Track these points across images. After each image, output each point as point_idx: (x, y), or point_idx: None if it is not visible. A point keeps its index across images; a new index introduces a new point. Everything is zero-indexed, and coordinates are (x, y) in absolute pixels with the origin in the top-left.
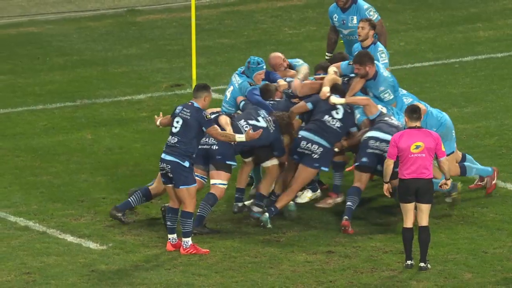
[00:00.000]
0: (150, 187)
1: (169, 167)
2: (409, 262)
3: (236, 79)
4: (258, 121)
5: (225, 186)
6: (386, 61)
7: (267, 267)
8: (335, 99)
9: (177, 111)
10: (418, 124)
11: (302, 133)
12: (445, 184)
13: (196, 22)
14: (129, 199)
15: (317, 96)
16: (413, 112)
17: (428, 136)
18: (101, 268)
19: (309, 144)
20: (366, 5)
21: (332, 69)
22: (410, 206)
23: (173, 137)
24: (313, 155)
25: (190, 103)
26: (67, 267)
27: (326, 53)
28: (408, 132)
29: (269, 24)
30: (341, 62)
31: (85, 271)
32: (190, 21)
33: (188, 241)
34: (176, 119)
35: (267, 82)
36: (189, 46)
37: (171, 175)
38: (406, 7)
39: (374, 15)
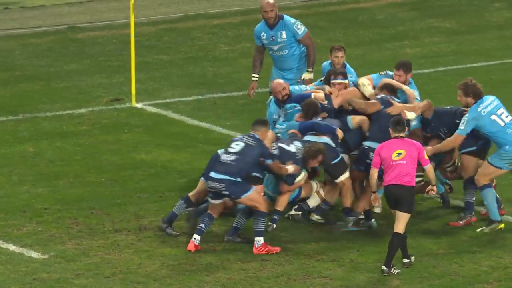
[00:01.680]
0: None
1: (223, 185)
2: (385, 268)
3: (280, 127)
4: (288, 146)
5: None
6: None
7: (203, 275)
8: (409, 114)
9: (238, 137)
10: (401, 134)
11: (369, 143)
12: (432, 190)
13: (135, 38)
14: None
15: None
16: (397, 124)
17: (410, 145)
18: (42, 277)
19: None
20: (292, 20)
21: (362, 81)
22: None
23: (228, 156)
24: None
25: (251, 134)
26: (9, 275)
27: (253, 75)
28: (390, 141)
29: (206, 40)
30: (371, 74)
31: (27, 279)
32: (130, 37)
33: (260, 240)
34: (236, 142)
35: (307, 100)
36: (128, 62)
37: (226, 193)
38: (336, 25)
39: (301, 28)
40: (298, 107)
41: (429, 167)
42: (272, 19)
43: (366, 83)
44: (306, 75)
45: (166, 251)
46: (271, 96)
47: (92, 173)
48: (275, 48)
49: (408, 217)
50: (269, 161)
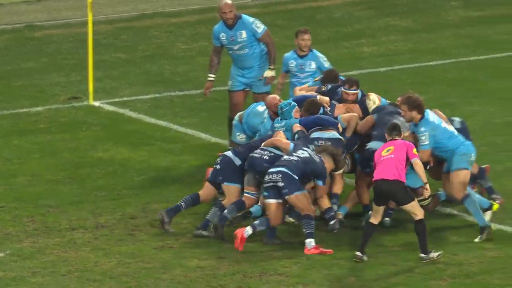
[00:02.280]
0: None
1: (280, 176)
2: (358, 253)
3: (278, 125)
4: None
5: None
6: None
7: (160, 272)
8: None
9: (305, 148)
10: (396, 138)
11: (373, 144)
12: (425, 189)
13: (93, 37)
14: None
15: (379, 106)
16: (393, 129)
17: (400, 142)
18: None
19: None
20: (251, 19)
21: (374, 98)
22: (380, 208)
23: (292, 157)
24: None
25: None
26: None
27: (209, 75)
28: (385, 144)
29: (163, 39)
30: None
31: None
32: (87, 36)
33: (312, 241)
34: (302, 151)
35: (311, 98)
36: (86, 60)
37: (281, 184)
38: (294, 23)
39: (260, 26)
40: (293, 103)
41: (416, 161)
42: (231, 19)
43: (377, 102)
44: (268, 73)
45: (123, 249)
46: (265, 109)
47: (49, 171)
48: (236, 47)
49: (415, 203)
50: (320, 183)
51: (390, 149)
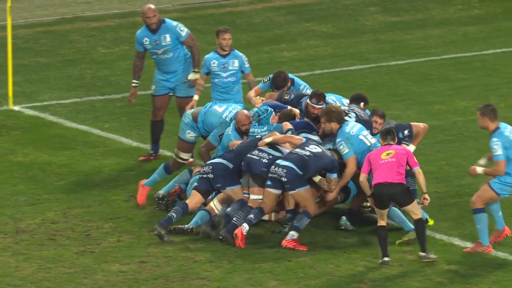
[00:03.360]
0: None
1: (284, 171)
2: (386, 258)
3: (259, 130)
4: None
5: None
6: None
7: (81, 277)
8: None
9: (316, 142)
10: (391, 142)
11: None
12: (424, 198)
13: (12, 41)
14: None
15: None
16: (387, 134)
17: (399, 148)
18: None
19: None
20: (174, 22)
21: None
22: (384, 211)
23: (304, 151)
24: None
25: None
26: None
27: (133, 81)
28: (380, 148)
29: (84, 43)
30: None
31: None
32: (7, 40)
33: (294, 235)
34: (314, 145)
35: (287, 109)
36: (5, 65)
37: (285, 179)
38: (214, 28)
39: (184, 30)
40: (270, 109)
41: (419, 170)
42: (154, 24)
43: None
44: (192, 76)
45: (44, 253)
46: (232, 123)
47: None
48: (160, 52)
49: (415, 203)
50: (334, 175)
51: (390, 153)
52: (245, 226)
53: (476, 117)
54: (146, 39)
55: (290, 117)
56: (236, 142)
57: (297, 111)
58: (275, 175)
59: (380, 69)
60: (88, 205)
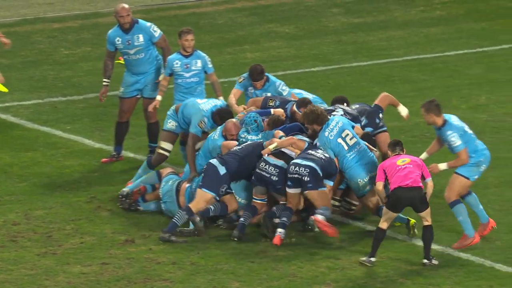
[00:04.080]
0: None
1: (307, 170)
2: (372, 259)
3: (253, 137)
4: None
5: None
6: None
7: (43, 279)
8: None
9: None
10: (401, 152)
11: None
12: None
13: None
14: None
15: None
16: (396, 145)
17: (415, 158)
18: None
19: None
20: (148, 23)
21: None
22: (394, 215)
23: (317, 153)
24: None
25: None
26: None
27: (104, 79)
28: (392, 157)
29: (46, 44)
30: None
31: None
32: None
33: (323, 216)
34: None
35: (273, 115)
36: None
37: (307, 179)
38: (177, 29)
39: (157, 31)
40: (259, 119)
41: (430, 182)
42: (128, 23)
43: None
44: (163, 77)
45: (5, 255)
46: (218, 129)
47: None
48: (132, 52)
49: (429, 211)
50: (331, 183)
51: (405, 160)
52: (281, 232)
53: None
54: (118, 38)
55: (279, 123)
56: (231, 143)
57: (281, 110)
58: (296, 175)
59: (343, 70)
60: (50, 206)
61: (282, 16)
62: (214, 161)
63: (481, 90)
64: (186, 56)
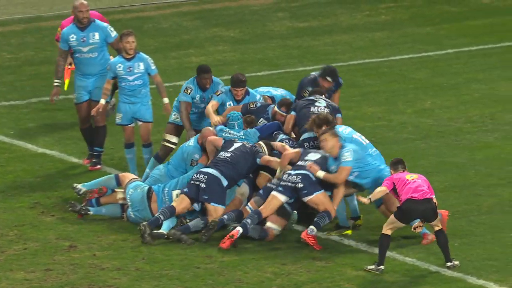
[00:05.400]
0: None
1: (300, 177)
2: (381, 267)
3: (236, 133)
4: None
5: None
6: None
7: None
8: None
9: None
10: (403, 170)
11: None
12: (420, 226)
13: None
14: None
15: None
16: (398, 163)
17: (421, 176)
18: None
19: None
20: (105, 23)
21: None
22: (402, 225)
23: (312, 156)
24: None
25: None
26: None
27: (56, 80)
28: (400, 173)
29: None
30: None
31: None
32: None
33: (314, 230)
34: (314, 153)
35: (249, 116)
36: None
37: (301, 185)
38: (119, 33)
39: (113, 32)
40: (241, 119)
41: (434, 198)
42: (86, 19)
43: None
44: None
45: None
46: (194, 137)
47: None
48: (85, 50)
49: (439, 218)
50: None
51: (413, 176)
52: (240, 229)
53: (383, 123)
54: (73, 35)
55: (252, 124)
56: (218, 140)
57: (238, 107)
58: (289, 183)
59: (288, 75)
60: None
61: (227, 20)
62: (214, 173)
63: (427, 94)
64: (129, 59)
